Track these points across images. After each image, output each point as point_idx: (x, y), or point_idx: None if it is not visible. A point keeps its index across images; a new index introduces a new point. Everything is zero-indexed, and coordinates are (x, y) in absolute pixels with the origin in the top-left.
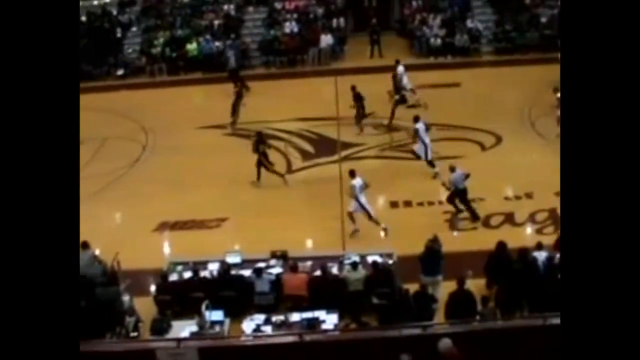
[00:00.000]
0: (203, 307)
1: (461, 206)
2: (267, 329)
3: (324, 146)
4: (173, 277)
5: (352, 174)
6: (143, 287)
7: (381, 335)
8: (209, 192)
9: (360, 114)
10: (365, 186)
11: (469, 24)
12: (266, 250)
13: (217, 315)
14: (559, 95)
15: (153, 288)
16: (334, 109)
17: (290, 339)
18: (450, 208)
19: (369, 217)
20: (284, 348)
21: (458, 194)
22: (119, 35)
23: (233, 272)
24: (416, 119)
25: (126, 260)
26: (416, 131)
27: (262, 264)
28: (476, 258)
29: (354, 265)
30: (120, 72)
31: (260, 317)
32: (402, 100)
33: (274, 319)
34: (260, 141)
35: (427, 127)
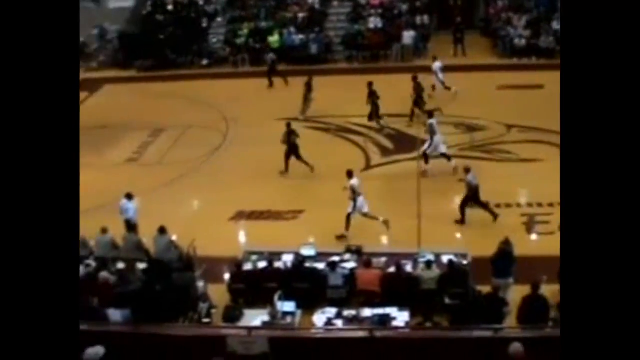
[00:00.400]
0: (276, 297)
1: (475, 205)
2: (338, 323)
3: (403, 143)
4: (247, 267)
5: (350, 174)
6: (218, 275)
7: (452, 335)
8: (287, 184)
9: (374, 111)
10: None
11: (555, 25)
12: (341, 244)
13: (289, 306)
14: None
15: (227, 276)
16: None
17: (360, 334)
18: (526, 210)
19: (364, 215)
20: (354, 343)
21: (471, 193)
22: (204, 25)
23: (307, 264)
24: (430, 115)
25: (202, 247)
26: (430, 126)
27: (336, 258)
28: (551, 263)
29: (429, 264)
30: (204, 61)
31: (332, 311)
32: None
33: (345, 313)
34: (291, 132)
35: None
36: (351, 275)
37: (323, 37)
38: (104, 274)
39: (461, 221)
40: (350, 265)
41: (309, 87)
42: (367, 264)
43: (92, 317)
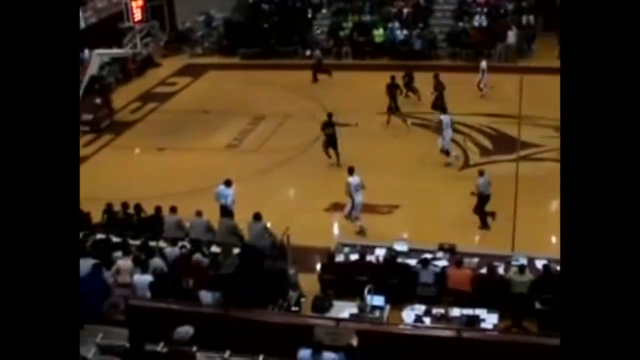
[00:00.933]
0: (366, 290)
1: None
2: (426, 321)
3: (503, 143)
4: (339, 258)
5: (351, 171)
6: (309, 264)
7: (540, 341)
8: (384, 178)
9: (440, 102)
10: (361, 186)
11: None
12: (434, 241)
13: (378, 300)
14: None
15: (319, 266)
16: (516, 107)
17: (447, 333)
18: None
19: (349, 212)
20: (440, 342)
21: (481, 200)
22: (309, 16)
23: (399, 260)
24: (443, 110)
25: (295, 235)
26: (440, 122)
27: (428, 255)
28: None
29: (521, 269)
30: (307, 52)
31: (420, 308)
32: None
33: (434, 311)
34: (329, 124)
35: (452, 122)
36: (442, 274)
37: (427, 33)
38: (197, 256)
39: (483, 226)
40: (442, 263)
41: (409, 79)
42: (459, 264)
43: (184, 297)
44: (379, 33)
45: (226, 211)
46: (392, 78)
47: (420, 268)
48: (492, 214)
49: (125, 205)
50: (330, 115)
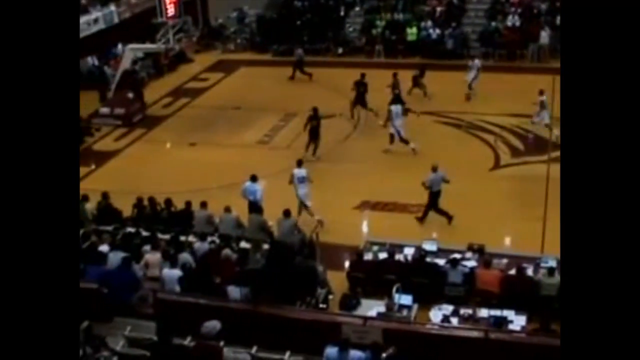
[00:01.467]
0: (394, 289)
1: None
2: (454, 321)
3: (535, 145)
4: (368, 256)
5: (299, 163)
6: (338, 262)
7: None
8: (415, 177)
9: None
10: (306, 179)
11: None
12: (463, 241)
13: (406, 299)
14: (542, 97)
15: (347, 264)
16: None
17: (475, 334)
18: None
19: (300, 208)
20: (467, 342)
21: (431, 195)
22: (341, 13)
23: (428, 259)
24: (393, 102)
25: (325, 233)
26: (389, 112)
27: (457, 255)
28: None
29: (551, 271)
30: (339, 50)
31: (448, 308)
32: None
33: (462, 311)
34: (314, 117)
35: (404, 112)
36: (471, 274)
37: (460, 33)
38: (226, 252)
39: (449, 219)
40: (471, 263)
41: (420, 74)
42: (488, 264)
43: (212, 292)
44: (412, 32)
45: (255, 207)
46: (362, 76)
47: (449, 268)
48: (449, 217)
49: (152, 200)
50: (315, 110)
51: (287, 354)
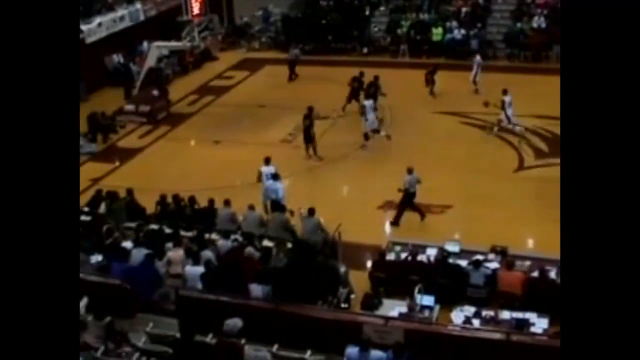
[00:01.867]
0: (416, 290)
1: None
2: (476, 323)
3: (559, 146)
4: (390, 256)
5: (267, 161)
6: (360, 262)
7: None
8: (438, 178)
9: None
10: (274, 176)
11: None
12: (485, 243)
13: (428, 300)
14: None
15: (369, 264)
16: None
17: (496, 336)
18: None
19: (266, 207)
20: (489, 344)
21: (406, 196)
22: (366, 13)
23: (450, 260)
24: (367, 97)
25: (347, 232)
26: (363, 107)
27: (480, 257)
28: None
29: None
30: (364, 49)
31: (470, 310)
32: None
33: (483, 313)
34: (307, 116)
35: (375, 108)
36: (493, 276)
37: (485, 33)
38: (249, 250)
39: (395, 222)
40: (494, 265)
41: (433, 70)
42: (510, 266)
43: (235, 290)
44: (437, 32)
45: (277, 205)
46: (361, 74)
47: (472, 269)
48: (422, 214)
49: (177, 197)
50: (310, 109)
51: (308, 352)
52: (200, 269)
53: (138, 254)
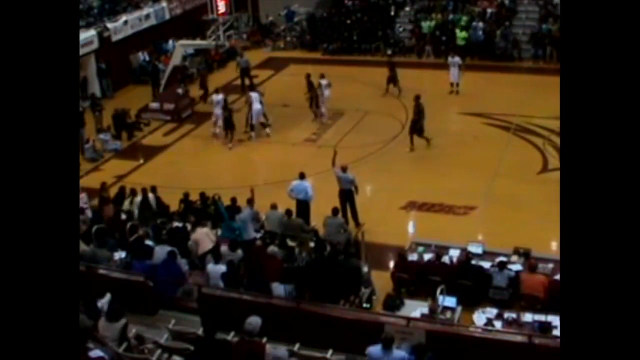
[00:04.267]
0: (438, 291)
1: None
2: (498, 325)
3: None
4: (413, 257)
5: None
6: (383, 262)
7: None
8: (462, 179)
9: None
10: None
11: None
12: (509, 245)
13: (450, 301)
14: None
15: (392, 264)
16: None
17: (519, 339)
18: None
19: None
20: (511, 347)
21: (342, 194)
22: (392, 13)
23: (473, 262)
24: (251, 89)
25: (371, 233)
26: (249, 97)
27: (503, 259)
28: None
29: None
30: (389, 51)
31: (492, 312)
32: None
33: (506, 315)
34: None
35: (261, 101)
36: (516, 278)
37: (510, 34)
38: (272, 249)
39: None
40: (517, 267)
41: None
42: (533, 269)
43: (257, 288)
44: (461, 36)
45: (303, 206)
46: (308, 76)
47: (495, 271)
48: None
49: (203, 195)
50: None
51: (330, 352)
52: (222, 268)
53: (161, 252)
